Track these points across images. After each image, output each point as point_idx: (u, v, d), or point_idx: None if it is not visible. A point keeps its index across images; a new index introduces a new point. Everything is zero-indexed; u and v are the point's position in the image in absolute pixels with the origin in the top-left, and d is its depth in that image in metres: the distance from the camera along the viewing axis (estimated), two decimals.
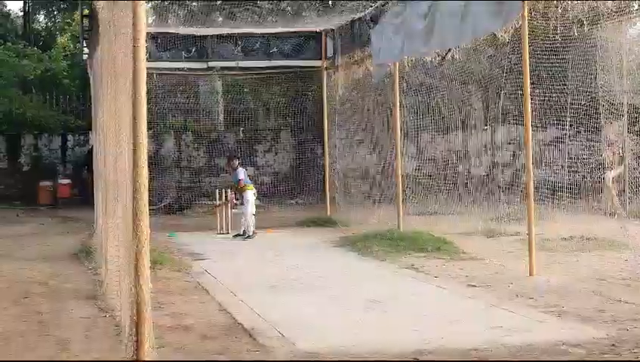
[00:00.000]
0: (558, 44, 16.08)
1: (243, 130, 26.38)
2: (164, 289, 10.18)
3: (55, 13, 38.88)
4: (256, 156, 26.47)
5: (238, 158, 18.28)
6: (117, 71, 7.52)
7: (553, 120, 18.36)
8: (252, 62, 20.46)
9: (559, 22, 14.28)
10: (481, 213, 17.99)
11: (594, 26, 13.60)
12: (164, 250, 14.12)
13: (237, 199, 17.15)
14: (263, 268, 12.57)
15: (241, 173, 17.13)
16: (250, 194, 16.85)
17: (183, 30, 20.02)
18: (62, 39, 35.56)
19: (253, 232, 16.52)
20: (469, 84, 21.06)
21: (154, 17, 23.00)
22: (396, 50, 14.98)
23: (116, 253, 8.14)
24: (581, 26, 12.68)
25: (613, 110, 16.08)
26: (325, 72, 20.49)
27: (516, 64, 16.25)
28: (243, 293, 9.95)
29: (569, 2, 12.26)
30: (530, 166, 11.29)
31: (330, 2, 21.74)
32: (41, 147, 28.43)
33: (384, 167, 19.56)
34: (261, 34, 20.12)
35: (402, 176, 16.52)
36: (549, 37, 15.46)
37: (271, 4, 22.09)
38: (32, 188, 26.51)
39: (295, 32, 20.17)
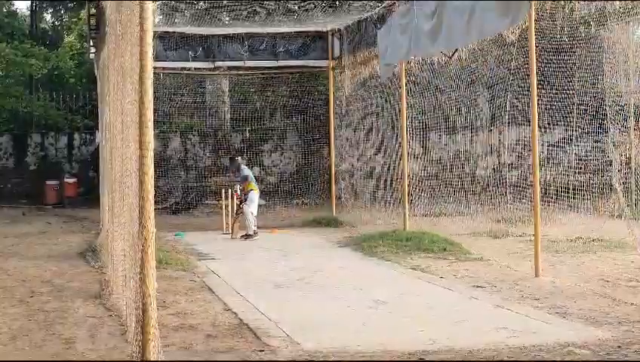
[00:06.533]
0: (564, 45, 16.06)
1: (249, 130, 26.38)
2: (169, 288, 10.20)
3: (62, 12, 38.95)
4: (262, 156, 26.44)
5: (242, 157, 18.24)
6: (124, 70, 7.52)
7: (560, 121, 18.32)
8: (258, 61, 20.50)
9: (566, 22, 14.27)
10: (488, 213, 17.97)
11: (601, 27, 13.58)
12: (170, 249, 14.16)
13: (241, 194, 16.98)
14: (268, 267, 12.57)
15: (246, 171, 17.10)
16: (254, 195, 16.79)
17: (190, 30, 20.03)
18: (69, 38, 35.60)
19: (255, 232, 16.48)
20: (475, 85, 21.03)
21: (161, 17, 22.99)
22: (403, 50, 14.98)
23: (122, 252, 8.15)
24: (588, 26, 12.66)
25: (620, 111, 16.04)
26: (332, 72, 20.49)
27: (523, 65, 16.23)
28: (248, 293, 9.96)
29: (576, 3, 12.25)
30: (537, 167, 11.27)
31: (337, 2, 21.72)
32: (47, 146, 28.49)
33: (390, 167, 19.54)
34: (268, 34, 20.12)
35: (408, 176, 16.52)
36: (555, 37, 15.44)
37: (278, 3, 22.10)
38: (38, 187, 26.56)
39: (302, 31, 20.15)
